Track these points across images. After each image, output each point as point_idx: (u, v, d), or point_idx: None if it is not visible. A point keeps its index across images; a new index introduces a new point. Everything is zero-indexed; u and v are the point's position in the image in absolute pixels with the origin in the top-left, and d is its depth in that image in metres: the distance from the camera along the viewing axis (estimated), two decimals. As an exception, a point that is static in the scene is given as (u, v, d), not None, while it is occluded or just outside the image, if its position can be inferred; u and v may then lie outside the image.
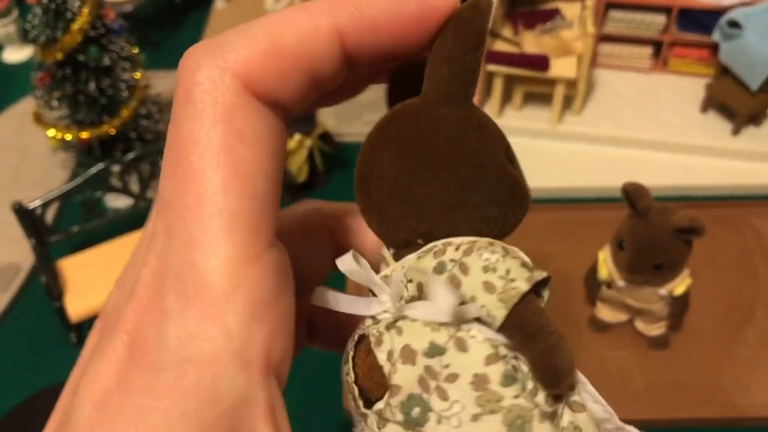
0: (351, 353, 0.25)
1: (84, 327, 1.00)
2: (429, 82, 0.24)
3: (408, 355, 0.23)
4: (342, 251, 0.27)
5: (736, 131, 1.23)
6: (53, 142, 1.06)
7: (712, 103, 1.26)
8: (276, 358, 0.21)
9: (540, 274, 0.24)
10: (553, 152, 1.22)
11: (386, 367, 0.23)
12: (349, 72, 0.24)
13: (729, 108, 1.24)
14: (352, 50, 0.23)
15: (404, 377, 0.23)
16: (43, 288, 0.98)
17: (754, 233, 1.12)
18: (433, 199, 0.24)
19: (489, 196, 0.24)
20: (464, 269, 0.23)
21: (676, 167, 1.21)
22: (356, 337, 0.25)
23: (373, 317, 0.25)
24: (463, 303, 0.23)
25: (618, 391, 0.94)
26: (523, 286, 0.23)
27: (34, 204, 0.95)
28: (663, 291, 0.92)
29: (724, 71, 1.25)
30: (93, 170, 0.98)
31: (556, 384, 0.23)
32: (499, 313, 0.23)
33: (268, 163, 0.22)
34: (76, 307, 0.96)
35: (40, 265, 0.97)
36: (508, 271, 0.23)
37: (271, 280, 0.21)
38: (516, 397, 0.22)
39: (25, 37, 1.45)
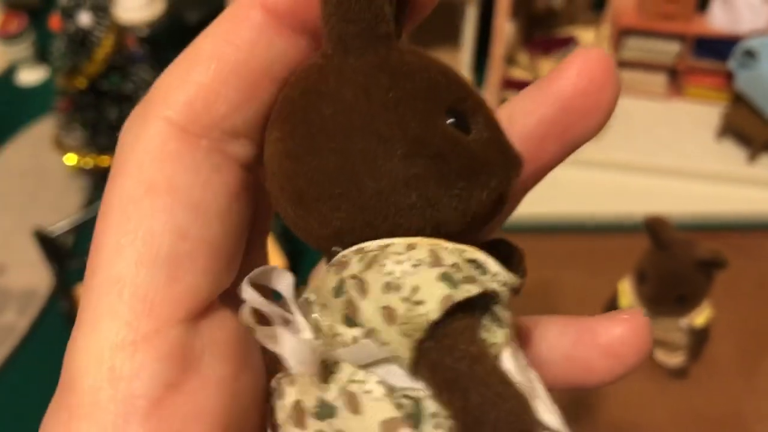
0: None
1: (103, 354, 0.99)
2: (324, 30, 0.18)
3: (298, 415, 0.17)
4: None
5: (752, 158, 1.23)
6: (72, 168, 1.06)
7: (728, 130, 1.27)
8: None
9: (466, 291, 0.16)
10: (568, 179, 1.22)
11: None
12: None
13: (745, 135, 1.24)
14: (308, 27, 0.18)
15: None
16: (62, 314, 0.98)
17: (771, 262, 1.12)
18: (345, 188, 0.18)
19: (421, 175, 0.18)
20: (363, 289, 0.17)
21: (691, 194, 1.21)
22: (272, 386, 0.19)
23: None
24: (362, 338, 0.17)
25: (638, 423, 0.94)
26: (433, 311, 0.16)
27: (57, 231, 0.95)
28: (683, 322, 0.92)
29: (739, 98, 1.26)
30: (113, 197, 0.98)
31: None
32: (404, 352, 0.16)
33: (187, 217, 0.17)
34: (95, 335, 0.95)
35: (60, 291, 0.97)
36: (415, 289, 0.16)
37: (168, 367, 0.16)
38: None
39: (41, 58, 1.46)
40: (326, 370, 0.17)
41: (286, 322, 0.18)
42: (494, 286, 0.17)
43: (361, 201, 0.18)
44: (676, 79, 1.32)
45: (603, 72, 0.20)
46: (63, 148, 1.05)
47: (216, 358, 0.18)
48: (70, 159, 1.04)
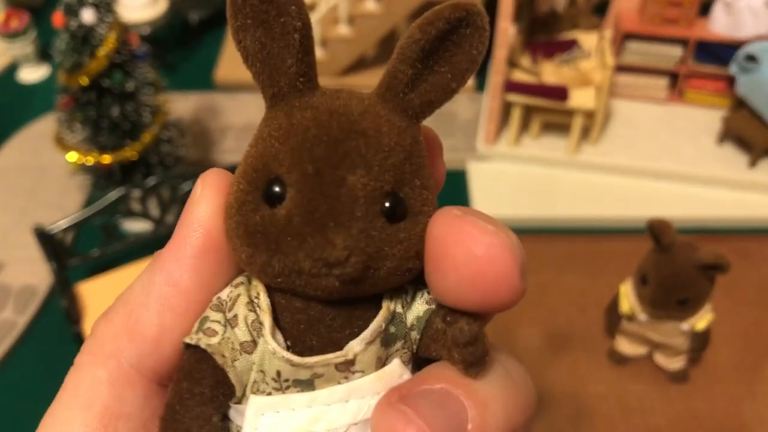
0: None
1: (102, 352, 0.99)
2: None
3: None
4: None
5: (752, 163, 1.23)
6: (73, 166, 1.06)
7: (729, 135, 1.27)
8: None
9: (195, 339, 0.23)
10: (570, 182, 1.22)
11: None
12: None
13: (745, 140, 1.24)
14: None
15: None
16: (61, 312, 0.98)
17: (772, 267, 1.12)
18: None
19: None
20: None
21: (692, 198, 1.21)
22: None
23: None
24: None
25: (638, 426, 0.94)
26: (187, 340, 0.23)
27: (56, 228, 0.95)
28: (685, 326, 0.92)
29: (740, 103, 1.26)
30: (114, 195, 0.98)
31: None
32: None
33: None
34: (95, 333, 0.95)
35: (60, 289, 0.97)
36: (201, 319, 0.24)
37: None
38: None
39: (42, 56, 1.46)
40: None
41: None
42: (224, 349, 0.22)
43: None
44: (678, 83, 1.33)
45: None
46: (64, 146, 1.05)
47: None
48: (72, 156, 1.04)
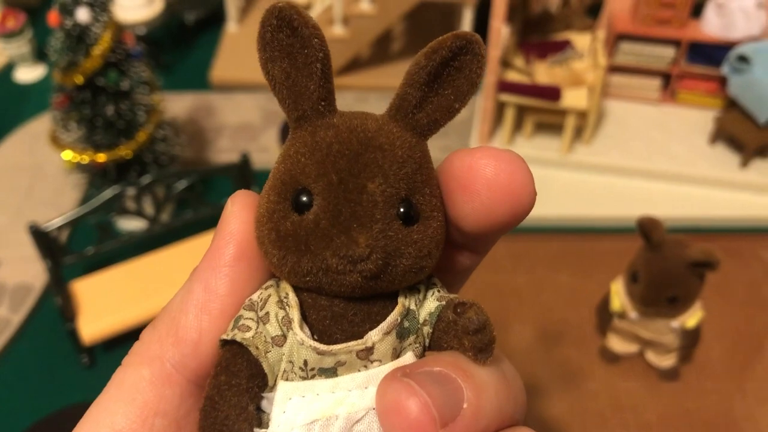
0: None
1: (96, 349, 0.99)
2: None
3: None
4: None
5: (744, 164, 1.24)
6: (68, 165, 1.06)
7: (721, 135, 1.28)
8: None
9: (231, 335, 0.25)
10: (563, 181, 1.23)
11: None
12: None
13: (737, 140, 1.25)
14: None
15: None
16: (56, 310, 0.98)
17: (763, 266, 1.13)
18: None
19: None
20: None
21: (684, 198, 1.22)
22: None
23: None
24: None
25: (629, 423, 0.94)
26: (223, 336, 0.25)
27: (51, 226, 0.95)
28: (675, 323, 0.93)
29: (732, 104, 1.27)
30: (108, 193, 0.98)
31: None
32: None
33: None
34: (89, 330, 0.96)
35: (54, 287, 0.97)
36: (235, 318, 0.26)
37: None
38: None
39: (39, 56, 1.46)
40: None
41: None
42: (257, 341, 0.24)
43: None
44: (670, 83, 1.33)
45: None
46: (59, 145, 1.05)
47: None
48: (67, 155, 1.04)
